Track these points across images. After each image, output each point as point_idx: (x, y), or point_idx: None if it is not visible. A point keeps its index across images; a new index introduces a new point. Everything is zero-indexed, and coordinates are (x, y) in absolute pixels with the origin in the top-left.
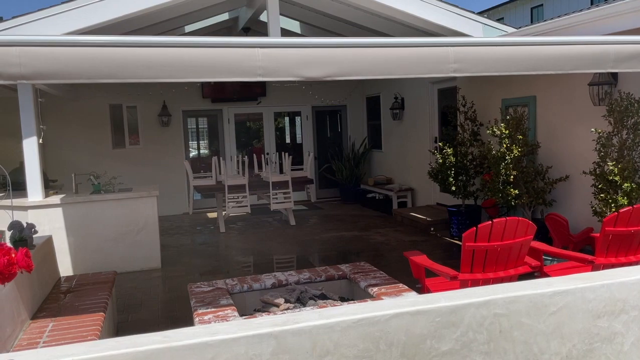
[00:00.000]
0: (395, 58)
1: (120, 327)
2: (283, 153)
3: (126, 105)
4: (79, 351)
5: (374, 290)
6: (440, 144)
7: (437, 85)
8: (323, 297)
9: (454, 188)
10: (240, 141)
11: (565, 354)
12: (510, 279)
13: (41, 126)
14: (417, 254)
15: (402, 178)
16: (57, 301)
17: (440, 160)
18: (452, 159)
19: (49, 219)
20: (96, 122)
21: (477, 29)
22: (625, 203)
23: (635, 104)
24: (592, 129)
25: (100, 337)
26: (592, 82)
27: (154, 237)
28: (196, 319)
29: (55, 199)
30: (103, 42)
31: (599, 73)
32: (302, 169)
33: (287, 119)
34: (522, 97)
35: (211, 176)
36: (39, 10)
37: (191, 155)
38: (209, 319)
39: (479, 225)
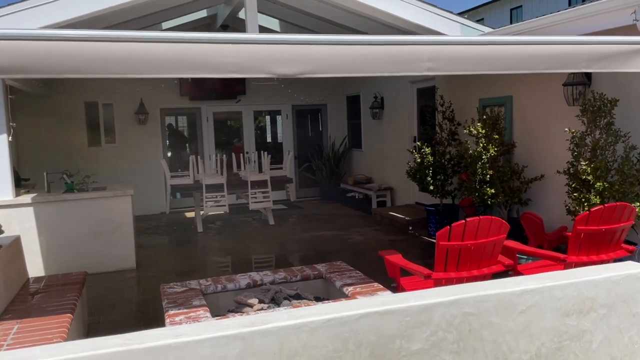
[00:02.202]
0: (370, 56)
1: (92, 328)
2: (262, 152)
3: (102, 102)
4: (35, 355)
5: (349, 289)
6: (418, 143)
7: (416, 85)
8: (298, 297)
9: (431, 187)
10: (219, 140)
11: (535, 352)
12: (483, 277)
13: (11, 123)
14: (393, 253)
15: (382, 177)
16: (24, 303)
17: (419, 160)
18: (430, 158)
19: (19, 219)
20: (71, 120)
21: (455, 29)
22: (598, 202)
23: (608, 104)
24: (566, 129)
25: (67, 339)
26: (566, 82)
27: (129, 237)
28: (167, 320)
29: (26, 198)
30: (68, 36)
31: (573, 73)
32: (281, 168)
33: (268, 117)
34: (499, 97)
35: (189, 175)
36: (12, 4)
37: (169, 154)
38: (180, 320)
39: (452, 224)
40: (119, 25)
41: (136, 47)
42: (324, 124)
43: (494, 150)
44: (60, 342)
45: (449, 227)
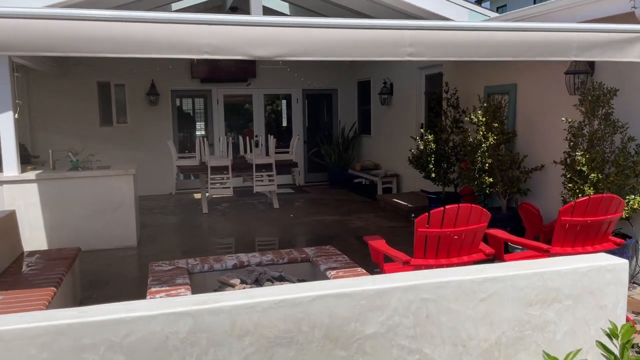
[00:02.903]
0: (349, 40)
1: (84, 303)
2: (269, 135)
3: (114, 83)
4: None
5: (331, 273)
6: (422, 130)
7: (424, 71)
8: (281, 279)
9: (433, 175)
10: (229, 122)
11: (495, 341)
12: (464, 265)
13: (17, 101)
14: (377, 238)
15: (389, 164)
16: (13, 275)
17: (422, 147)
18: (433, 145)
19: (24, 194)
20: (84, 100)
21: (463, 14)
22: (592, 193)
23: (607, 94)
24: (563, 118)
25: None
26: (568, 70)
27: (130, 215)
28: (147, 297)
29: (31, 174)
30: (46, 14)
31: (575, 62)
32: (288, 152)
33: (284, 102)
34: (504, 85)
35: (195, 157)
36: None
37: (179, 135)
38: (160, 297)
39: (431, 211)
40: (128, 6)
41: (113, 26)
42: (334, 109)
43: (494, 139)
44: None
45: (427, 213)
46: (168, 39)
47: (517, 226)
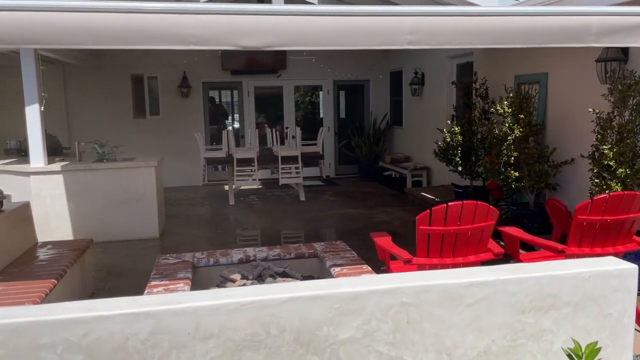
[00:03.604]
0: (342, 28)
1: (97, 294)
2: (296, 127)
3: (147, 75)
4: None
5: (335, 270)
6: (448, 121)
7: (455, 60)
8: (284, 275)
9: (460, 168)
10: (260, 114)
11: (483, 349)
12: (472, 265)
13: (43, 94)
14: (383, 235)
15: (420, 156)
16: (20, 265)
17: (448, 139)
18: (460, 137)
19: (50, 185)
20: (118, 93)
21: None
22: (619, 189)
23: None
24: (590, 109)
25: (42, 303)
26: (599, 58)
27: (152, 207)
28: (146, 291)
29: (57, 165)
30: (24, 6)
31: (608, 48)
32: (315, 144)
33: (315, 93)
34: (534, 74)
35: (222, 148)
36: None
37: (210, 127)
38: (157, 291)
39: (432, 208)
40: None
41: (94, 17)
42: (366, 100)
43: (519, 131)
44: (30, 305)
45: (429, 210)
46: (152, 29)
47: (545, 223)
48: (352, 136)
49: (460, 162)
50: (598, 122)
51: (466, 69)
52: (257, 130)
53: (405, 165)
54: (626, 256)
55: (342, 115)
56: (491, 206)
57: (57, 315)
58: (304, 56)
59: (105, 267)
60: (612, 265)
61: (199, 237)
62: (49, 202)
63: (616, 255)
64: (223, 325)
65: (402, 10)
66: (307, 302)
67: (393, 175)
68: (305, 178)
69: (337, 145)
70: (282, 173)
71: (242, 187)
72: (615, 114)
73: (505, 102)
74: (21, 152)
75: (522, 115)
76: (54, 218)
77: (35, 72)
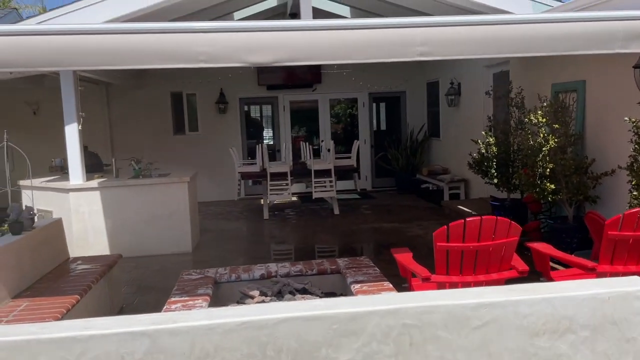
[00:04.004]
0: (352, 41)
1: (126, 309)
2: (330, 141)
3: (186, 92)
4: None
5: (355, 287)
6: (483, 132)
7: (492, 69)
8: (304, 291)
9: (496, 180)
10: (295, 128)
11: None
12: (495, 283)
13: (81, 113)
14: (404, 251)
15: (458, 168)
16: (48, 281)
17: (483, 150)
18: (494, 148)
19: (88, 201)
20: (159, 110)
21: (526, 6)
22: None
23: None
24: (625, 118)
25: (63, 319)
26: (637, 64)
27: (185, 221)
28: (164, 308)
29: (94, 182)
30: (42, 30)
31: None
32: (349, 157)
33: (350, 106)
34: (571, 82)
35: (256, 163)
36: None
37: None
38: (175, 307)
39: (450, 224)
40: (193, 15)
41: (106, 39)
42: (403, 111)
43: (554, 142)
44: (51, 321)
45: (446, 226)
46: (167, 48)
47: (585, 238)
48: (389, 148)
49: (495, 174)
50: (636, 131)
51: (502, 78)
52: (297, 143)
53: (442, 178)
54: None
55: (379, 127)
56: (513, 222)
57: (56, 333)
58: (338, 69)
59: (135, 281)
60: (633, 285)
61: (231, 251)
62: (87, 217)
63: None
64: (219, 345)
65: (414, 22)
66: (304, 323)
67: (430, 188)
68: (341, 191)
69: (374, 157)
70: (315, 187)
71: (278, 201)
72: None
73: (540, 112)
74: (64, 170)
75: (557, 125)
76: (91, 233)
77: (74, 93)
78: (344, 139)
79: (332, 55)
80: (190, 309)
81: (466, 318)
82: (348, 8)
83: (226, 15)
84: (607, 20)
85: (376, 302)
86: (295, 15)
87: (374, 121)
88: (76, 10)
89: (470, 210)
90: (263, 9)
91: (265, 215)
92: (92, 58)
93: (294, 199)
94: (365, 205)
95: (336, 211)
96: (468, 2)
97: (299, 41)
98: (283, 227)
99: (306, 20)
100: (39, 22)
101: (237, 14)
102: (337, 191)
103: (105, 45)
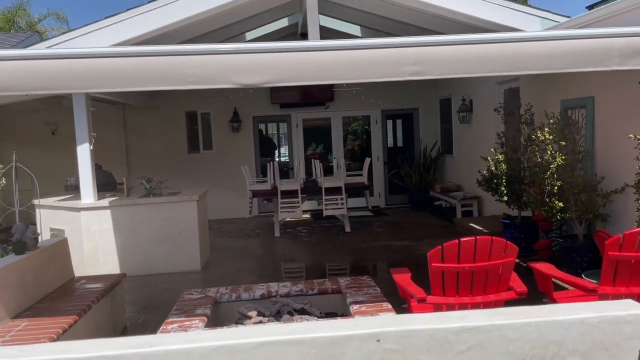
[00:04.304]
0: (343, 61)
1: (129, 328)
2: (341, 158)
3: (200, 112)
4: None
5: (354, 307)
6: (492, 149)
7: (503, 86)
8: (303, 311)
9: (505, 198)
10: (309, 145)
11: None
12: (493, 304)
13: (92, 133)
14: (403, 271)
15: (470, 185)
16: (50, 301)
17: (493, 168)
18: (504, 166)
19: (99, 220)
20: (173, 129)
21: (535, 23)
22: None
23: None
24: (631, 135)
25: (60, 339)
26: None
27: (194, 240)
28: (161, 328)
29: (105, 201)
30: (26, 55)
31: None
32: (361, 175)
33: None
34: (580, 98)
35: (267, 181)
36: (90, 23)
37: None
38: (172, 328)
39: (444, 244)
40: (204, 36)
41: (95, 62)
42: (415, 128)
43: (561, 159)
44: (45, 342)
45: (440, 246)
46: (156, 71)
47: (595, 257)
48: (402, 165)
49: (505, 191)
50: None
51: (513, 94)
52: (310, 161)
53: (455, 195)
54: None
55: (392, 144)
56: (509, 242)
57: (33, 357)
58: (349, 87)
59: (142, 300)
60: (624, 309)
61: (240, 269)
62: (98, 236)
63: None
64: None
65: (406, 41)
66: (282, 347)
67: (443, 205)
68: (354, 209)
69: (387, 174)
70: (326, 204)
71: (290, 219)
72: None
73: (547, 129)
74: (79, 189)
75: (564, 142)
76: (102, 251)
77: (86, 113)
78: (359, 156)
79: (322, 76)
80: (186, 330)
81: (449, 343)
82: (359, 27)
83: (238, 36)
84: (602, 37)
85: (357, 325)
86: (305, 35)
87: (388, 138)
88: (84, 34)
89: (481, 228)
90: (274, 29)
91: (277, 233)
92: (77, 82)
93: (307, 216)
94: (378, 223)
95: (347, 229)
96: (479, 21)
97: (288, 63)
98: (293, 245)
99: (295, 42)
100: (48, 47)
101: (249, 35)
102: (349, 208)
103: (93, 69)
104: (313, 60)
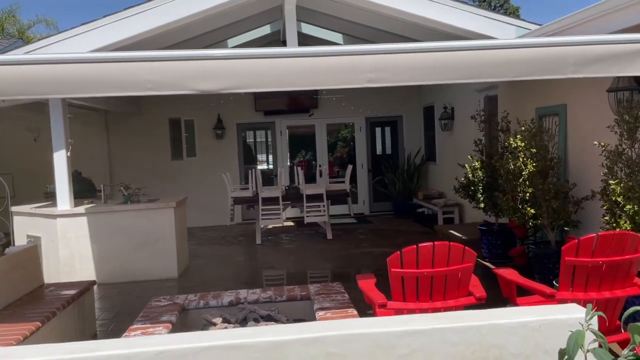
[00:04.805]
0: (300, 68)
1: (100, 335)
2: (322, 166)
3: (184, 118)
4: None
5: (320, 314)
6: (469, 156)
7: (483, 93)
8: (269, 318)
9: (482, 205)
10: (293, 152)
11: None
12: (453, 309)
13: (69, 140)
14: (368, 277)
15: (452, 193)
16: (16, 307)
17: (470, 175)
18: (480, 173)
19: (75, 227)
20: (157, 136)
21: (509, 31)
22: (629, 228)
23: None
24: (595, 142)
25: (20, 344)
26: (610, 87)
27: (171, 247)
28: (124, 335)
29: (82, 208)
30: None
31: (618, 77)
32: (343, 182)
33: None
34: (553, 106)
35: (249, 188)
36: (69, 29)
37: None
38: (134, 334)
39: (403, 250)
40: (186, 42)
41: (56, 68)
42: (400, 135)
43: (532, 166)
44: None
45: (399, 252)
46: (114, 77)
47: None
48: (386, 173)
49: (482, 198)
50: (607, 155)
51: (492, 102)
52: (295, 168)
53: (437, 202)
54: (629, 301)
55: (376, 151)
56: (468, 248)
57: None
58: (335, 94)
59: (115, 308)
60: (565, 313)
61: (218, 277)
62: (74, 243)
63: (616, 299)
64: None
65: (363, 49)
66: (224, 352)
67: (425, 212)
68: (338, 216)
69: (371, 182)
70: (307, 211)
71: (272, 226)
72: (623, 147)
73: (519, 136)
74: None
75: (534, 150)
76: (78, 259)
77: (62, 120)
78: (346, 163)
79: (278, 82)
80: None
81: (392, 346)
82: (341, 35)
83: (219, 43)
84: (557, 46)
85: (300, 330)
86: (286, 42)
87: (372, 146)
88: (61, 40)
89: (460, 235)
90: (257, 37)
91: (258, 240)
92: (35, 87)
93: (290, 223)
94: (360, 230)
95: (329, 236)
96: (456, 29)
97: (245, 69)
98: (274, 252)
99: (252, 49)
100: (26, 52)
101: (231, 42)
102: (333, 216)
103: (55, 75)
104: (269, 67)
